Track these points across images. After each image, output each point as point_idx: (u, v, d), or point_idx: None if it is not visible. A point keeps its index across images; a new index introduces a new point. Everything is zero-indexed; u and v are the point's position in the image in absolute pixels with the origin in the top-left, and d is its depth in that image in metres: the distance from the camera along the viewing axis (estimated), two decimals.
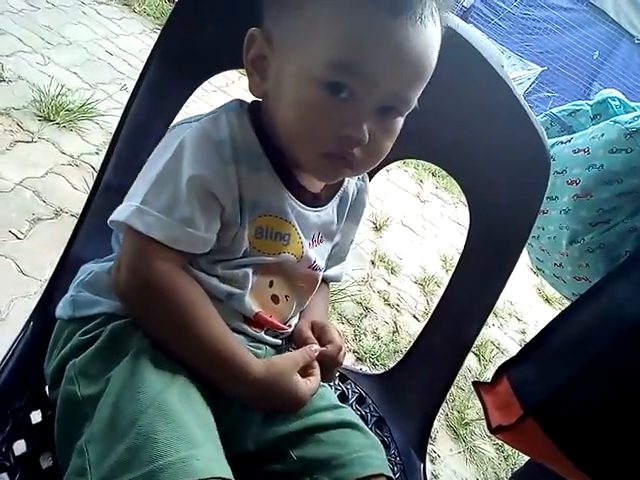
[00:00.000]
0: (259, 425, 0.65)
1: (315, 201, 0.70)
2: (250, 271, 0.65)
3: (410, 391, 0.91)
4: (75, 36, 2.71)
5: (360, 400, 0.90)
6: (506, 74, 0.79)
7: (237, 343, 0.61)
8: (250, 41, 0.61)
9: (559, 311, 0.78)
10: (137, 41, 3.11)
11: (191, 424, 0.50)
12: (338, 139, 0.57)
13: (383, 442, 0.82)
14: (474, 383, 0.86)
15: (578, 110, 1.08)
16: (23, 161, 1.78)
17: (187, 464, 0.46)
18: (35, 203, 1.67)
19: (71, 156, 1.93)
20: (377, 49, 0.53)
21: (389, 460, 0.72)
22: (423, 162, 4.24)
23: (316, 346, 0.68)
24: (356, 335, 2.02)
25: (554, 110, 1.11)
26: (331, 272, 0.81)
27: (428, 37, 0.56)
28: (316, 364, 0.67)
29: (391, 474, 0.63)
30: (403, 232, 3.03)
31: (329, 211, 0.72)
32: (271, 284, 0.69)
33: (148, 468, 0.45)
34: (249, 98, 0.68)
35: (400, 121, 0.61)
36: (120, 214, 0.58)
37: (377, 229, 2.82)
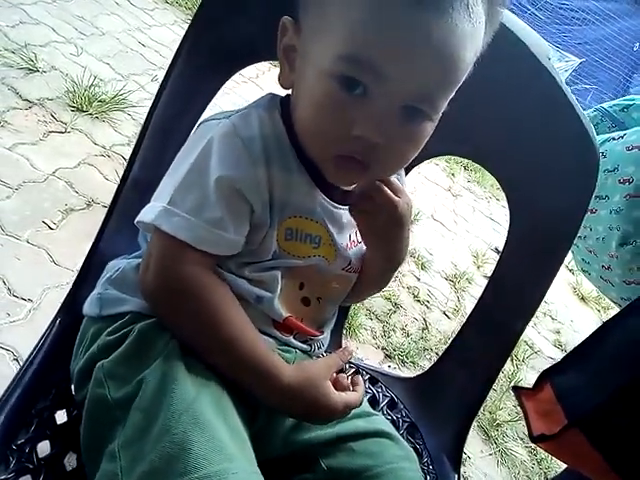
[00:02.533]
0: (288, 431, 0.62)
1: (347, 199, 0.66)
2: (279, 274, 0.62)
3: (444, 396, 0.87)
4: (108, 27, 2.73)
5: (391, 404, 0.87)
6: (552, 65, 0.74)
7: (267, 347, 0.59)
8: (282, 30, 0.58)
9: (595, 310, 0.74)
10: (169, 32, 3.12)
11: (225, 436, 0.48)
12: (350, 139, 0.53)
13: (415, 449, 0.79)
14: (514, 388, 0.83)
15: (631, 105, 1.02)
16: (56, 151, 1.80)
17: (222, 478, 0.44)
18: (68, 194, 1.68)
19: (103, 147, 1.94)
20: (390, 42, 0.48)
21: (421, 469, 0.69)
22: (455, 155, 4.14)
23: (350, 349, 0.66)
24: (385, 331, 1.99)
25: (604, 105, 1.05)
26: None
27: (458, 33, 0.49)
28: (360, 381, 0.64)
29: None
30: (434, 227, 2.97)
31: None
32: (301, 286, 0.66)
33: None
34: (283, 91, 0.65)
35: (428, 126, 0.55)
36: (147, 215, 0.57)
37: None
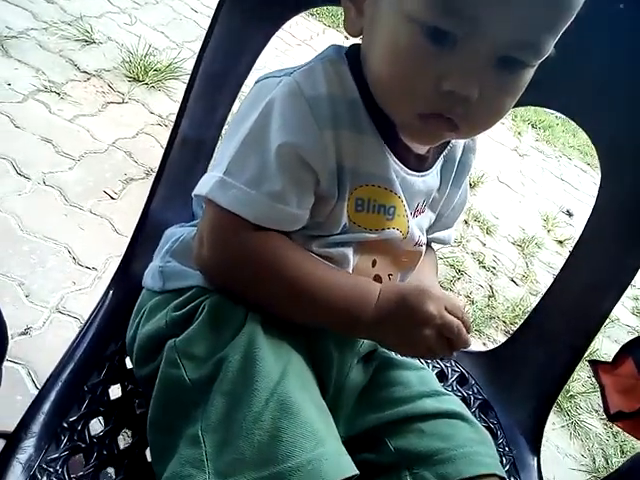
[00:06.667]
0: (353, 411, 0.59)
1: (420, 164, 0.59)
2: (350, 251, 0.57)
3: (522, 373, 0.80)
4: None
5: (461, 380, 0.80)
6: None
7: (352, 282, 0.55)
8: None
9: None
10: None
11: (313, 417, 0.46)
12: (439, 95, 0.46)
13: (489, 429, 0.74)
14: (591, 362, 0.77)
15: None
16: (115, 122, 1.82)
17: (316, 466, 0.42)
18: (127, 163, 1.70)
19: (160, 116, 1.95)
20: None
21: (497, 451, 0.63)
22: (521, 113, 3.90)
23: None
24: None
25: None
26: (438, 234, 0.71)
27: None
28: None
29: (504, 474, 0.54)
30: (499, 189, 2.82)
31: (434, 174, 0.61)
32: (374, 263, 0.60)
33: (275, 469, 0.42)
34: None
35: (528, 73, 0.47)
36: (203, 187, 0.52)
37: (471, 186, 2.63)
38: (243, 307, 0.53)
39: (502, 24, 0.42)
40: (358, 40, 0.54)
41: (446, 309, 0.51)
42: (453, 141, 0.62)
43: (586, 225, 0.75)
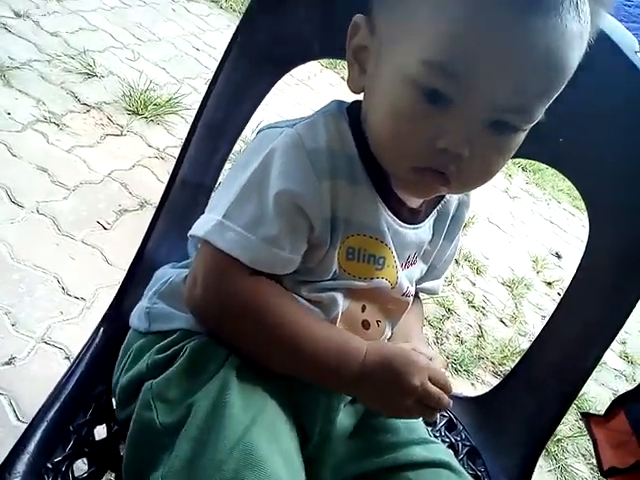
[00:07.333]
0: (340, 458, 0.58)
1: (413, 217, 0.61)
2: (340, 296, 0.58)
3: (511, 420, 0.80)
4: (164, 32, 2.77)
5: (450, 426, 0.80)
6: None
7: (338, 336, 0.55)
8: (354, 29, 0.53)
9: None
10: (223, 36, 3.13)
11: (279, 470, 0.44)
12: (432, 152, 0.48)
13: (476, 477, 0.73)
14: (583, 414, 0.76)
15: None
16: (112, 154, 1.83)
17: None
18: (122, 195, 1.70)
19: (157, 149, 1.96)
20: (485, 55, 0.43)
21: None
22: None
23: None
24: (438, 338, 1.91)
25: None
26: (427, 285, 0.72)
27: (567, 35, 0.43)
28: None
29: None
30: (490, 230, 2.85)
31: (426, 228, 0.63)
32: (363, 309, 0.61)
33: None
34: (347, 97, 0.60)
35: (518, 136, 0.50)
36: (201, 228, 0.54)
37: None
38: (224, 352, 0.53)
39: (497, 89, 0.45)
40: (359, 97, 0.57)
41: (429, 378, 0.52)
42: (447, 196, 0.65)
43: (575, 273, 0.76)
